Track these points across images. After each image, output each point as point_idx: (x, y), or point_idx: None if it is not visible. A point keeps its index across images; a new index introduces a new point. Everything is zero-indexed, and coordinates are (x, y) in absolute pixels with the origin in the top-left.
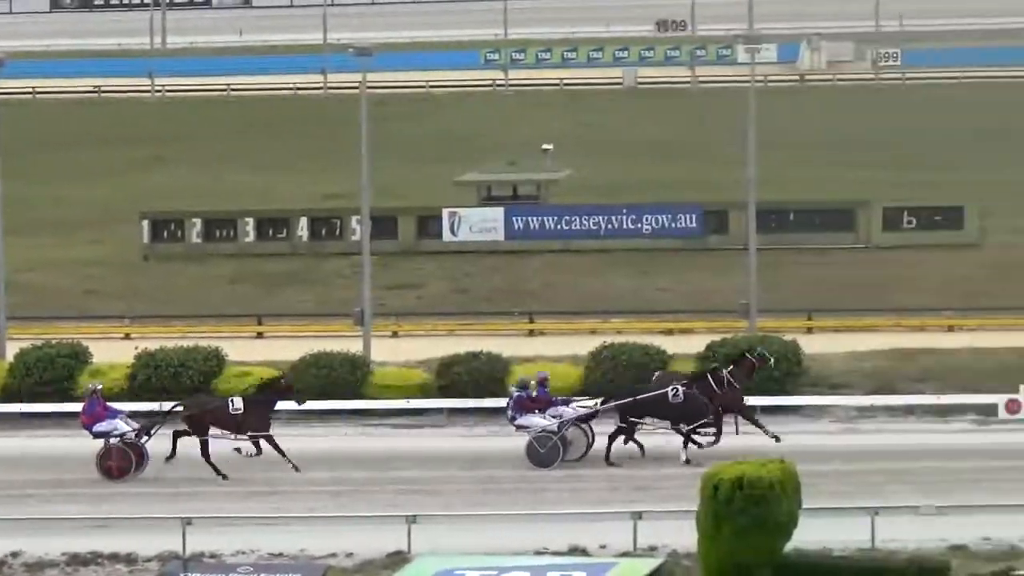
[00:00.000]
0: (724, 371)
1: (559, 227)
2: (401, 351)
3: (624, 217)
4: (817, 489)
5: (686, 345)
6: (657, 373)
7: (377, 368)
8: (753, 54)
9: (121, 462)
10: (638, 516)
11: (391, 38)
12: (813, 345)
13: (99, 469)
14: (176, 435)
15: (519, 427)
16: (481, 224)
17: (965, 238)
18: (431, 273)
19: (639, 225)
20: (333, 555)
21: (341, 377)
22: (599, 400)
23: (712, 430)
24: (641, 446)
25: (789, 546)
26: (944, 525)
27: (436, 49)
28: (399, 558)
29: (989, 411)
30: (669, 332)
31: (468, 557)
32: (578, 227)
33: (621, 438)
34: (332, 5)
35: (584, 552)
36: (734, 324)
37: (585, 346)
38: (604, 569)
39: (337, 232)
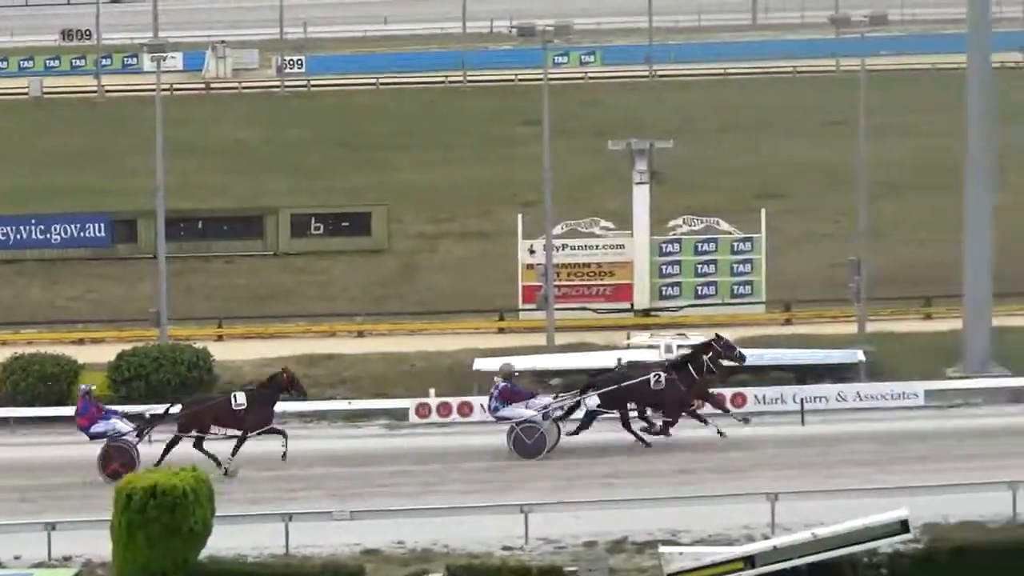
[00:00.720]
0: (704, 357)
1: None
2: None
3: (32, 227)
4: (232, 496)
5: (97, 355)
6: (624, 361)
7: None
8: (159, 63)
9: (122, 466)
10: (51, 527)
11: None
12: (224, 352)
13: (102, 472)
14: (175, 440)
15: (500, 418)
16: None
17: (372, 243)
18: None
19: (48, 235)
20: None
21: None
22: (578, 390)
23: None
24: (641, 437)
25: (204, 553)
26: (358, 529)
27: None
28: None
29: (400, 415)
30: (80, 342)
31: None
32: None
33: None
34: None
35: None
36: (145, 333)
37: None
38: None
39: None
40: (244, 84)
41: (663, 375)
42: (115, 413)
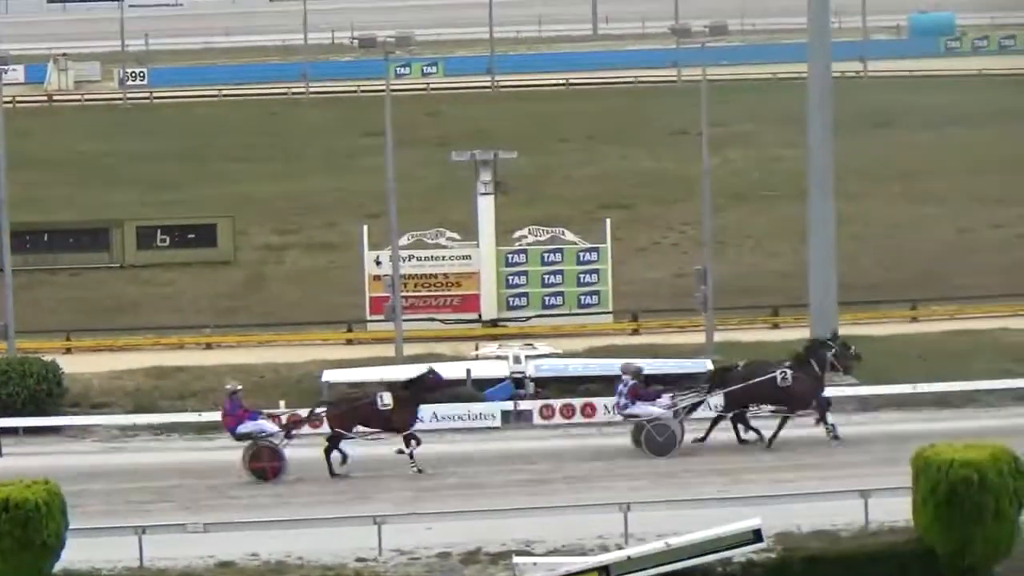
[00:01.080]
0: (829, 353)
1: None
2: None
3: None
4: (85, 510)
5: None
6: (745, 360)
7: None
8: (0, 75)
9: (273, 462)
10: None
11: None
12: (73, 365)
13: (248, 471)
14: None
15: (629, 416)
16: None
17: (219, 255)
18: None
19: None
20: None
21: None
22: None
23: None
24: (759, 432)
25: (58, 567)
26: (212, 542)
27: None
28: None
29: None
30: None
31: None
32: None
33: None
34: None
35: None
36: None
37: None
38: None
39: None
40: (87, 96)
41: (789, 372)
42: (260, 414)
